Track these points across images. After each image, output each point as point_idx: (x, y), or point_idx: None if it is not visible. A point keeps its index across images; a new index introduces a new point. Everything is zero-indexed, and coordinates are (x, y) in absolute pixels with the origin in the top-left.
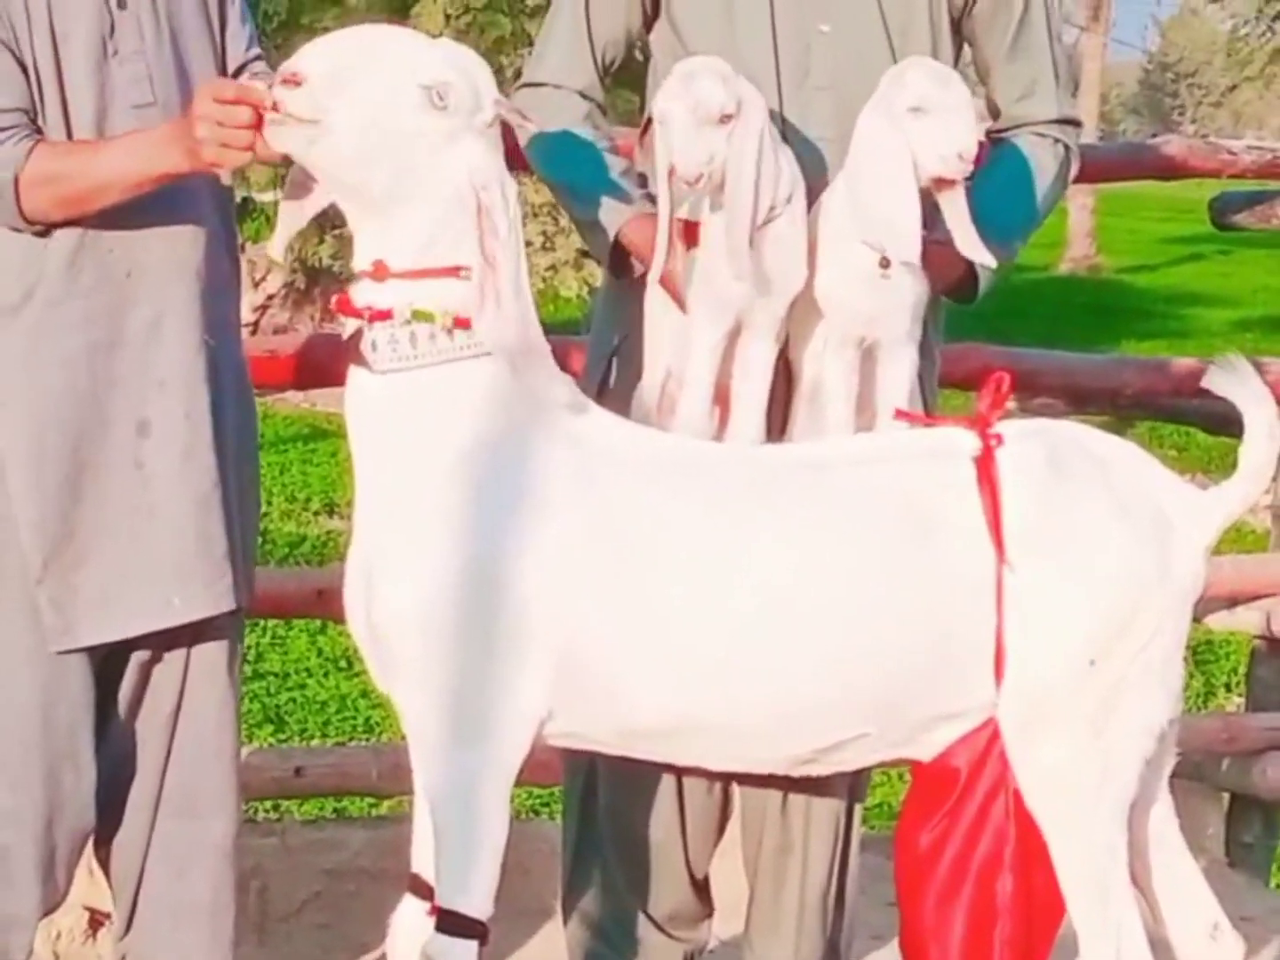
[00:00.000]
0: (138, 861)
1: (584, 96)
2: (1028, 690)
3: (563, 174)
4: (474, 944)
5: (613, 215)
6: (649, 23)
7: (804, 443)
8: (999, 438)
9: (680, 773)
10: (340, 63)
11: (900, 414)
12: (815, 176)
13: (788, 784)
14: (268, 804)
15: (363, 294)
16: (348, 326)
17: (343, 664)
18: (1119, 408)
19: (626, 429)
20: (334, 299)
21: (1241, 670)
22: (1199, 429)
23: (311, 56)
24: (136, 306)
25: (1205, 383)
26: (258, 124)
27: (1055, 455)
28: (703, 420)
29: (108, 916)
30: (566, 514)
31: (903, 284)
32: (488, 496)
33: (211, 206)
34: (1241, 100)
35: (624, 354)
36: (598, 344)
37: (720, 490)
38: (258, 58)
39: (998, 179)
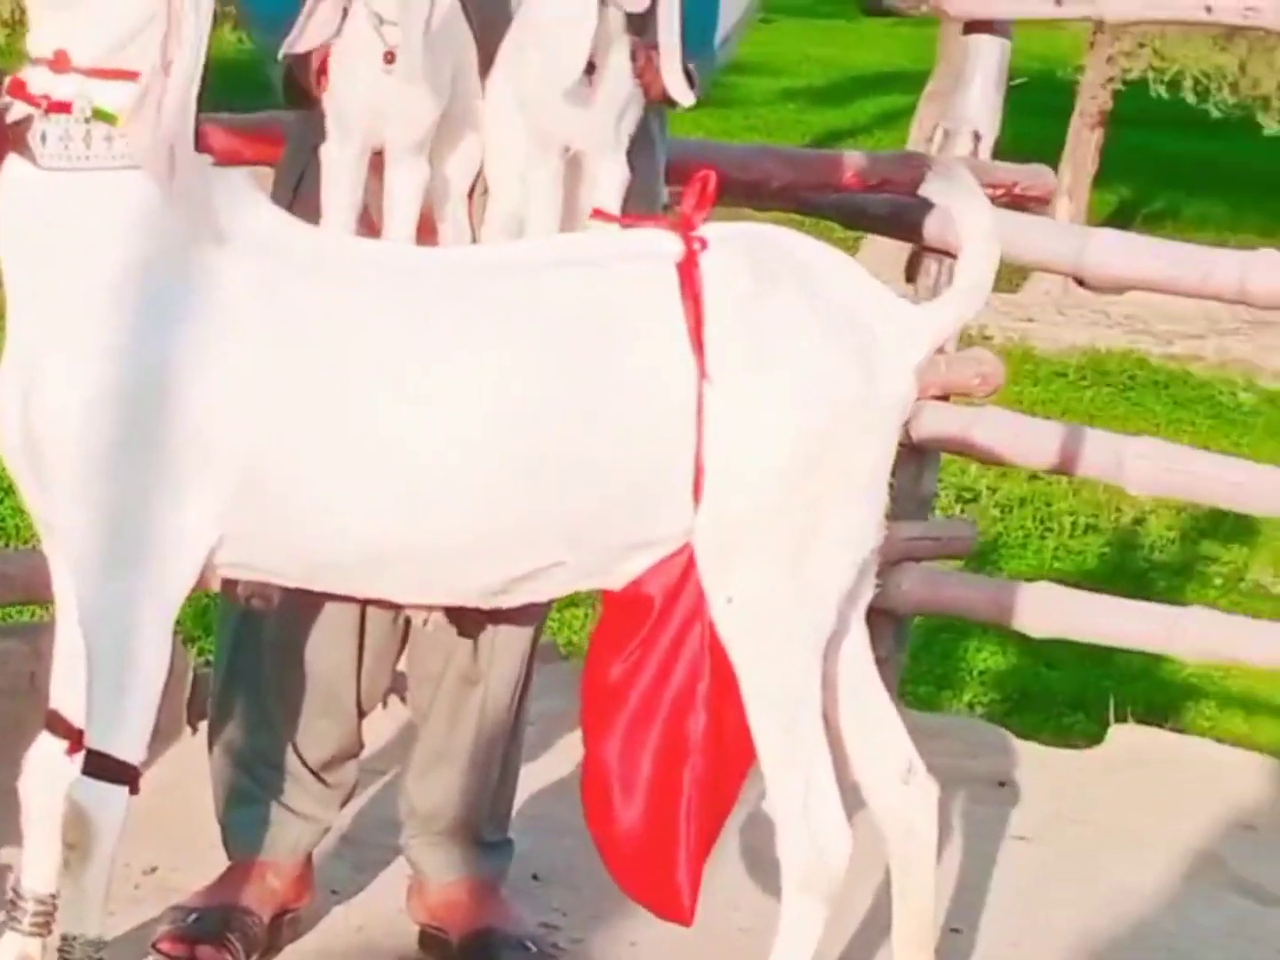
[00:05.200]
0: None
1: None
2: (725, 514)
3: None
4: (124, 790)
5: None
6: None
7: (502, 245)
8: (703, 241)
9: (363, 604)
10: None
11: (598, 213)
12: None
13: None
14: None
15: (39, 82)
16: (13, 111)
17: None
18: (759, 199)
19: (319, 235)
20: (4, 80)
21: None
22: (837, 223)
23: None
24: None
25: (922, 191)
26: None
27: (760, 261)
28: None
29: None
30: (245, 326)
31: (609, 85)
32: (156, 305)
33: None
34: None
35: (309, 180)
36: (286, 166)
37: (413, 297)
38: None
39: None
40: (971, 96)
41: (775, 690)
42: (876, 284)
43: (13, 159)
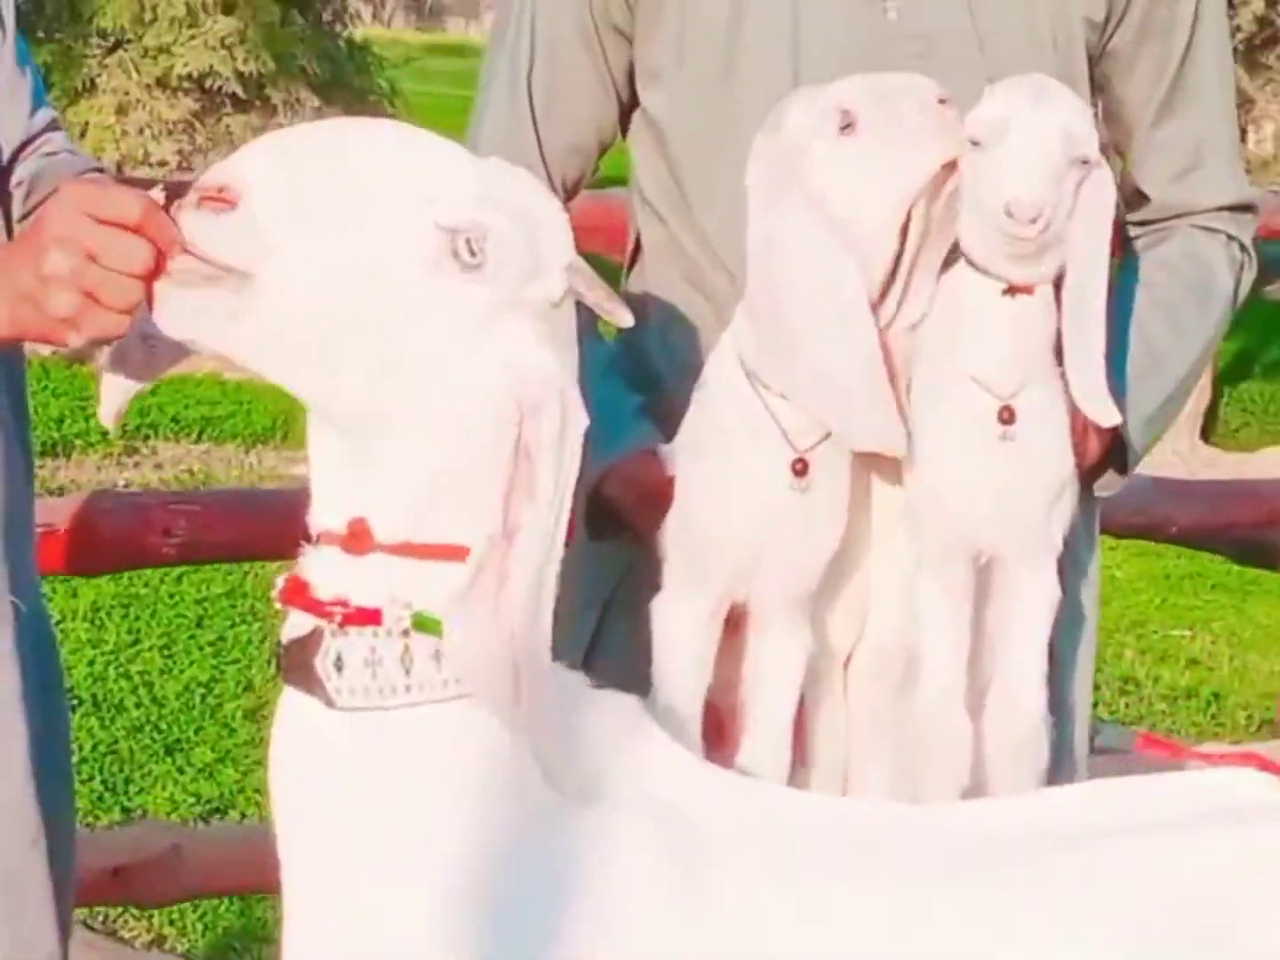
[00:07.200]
0: None
1: None
2: None
3: None
4: None
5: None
6: (624, 115)
7: (1009, 803)
8: None
9: None
10: (304, 175)
11: (1149, 741)
12: None
13: None
14: None
15: (328, 574)
16: (292, 624)
17: None
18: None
19: (732, 785)
20: (279, 582)
21: None
22: (1233, 562)
23: (256, 161)
24: None
25: None
26: (155, 272)
27: None
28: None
29: None
30: (637, 919)
31: (1038, 453)
32: (516, 897)
33: (4, 384)
34: None
35: (615, 609)
36: (576, 615)
37: (888, 884)
38: (52, 125)
39: (1147, 318)
40: None
41: None
42: None
43: (291, 696)
